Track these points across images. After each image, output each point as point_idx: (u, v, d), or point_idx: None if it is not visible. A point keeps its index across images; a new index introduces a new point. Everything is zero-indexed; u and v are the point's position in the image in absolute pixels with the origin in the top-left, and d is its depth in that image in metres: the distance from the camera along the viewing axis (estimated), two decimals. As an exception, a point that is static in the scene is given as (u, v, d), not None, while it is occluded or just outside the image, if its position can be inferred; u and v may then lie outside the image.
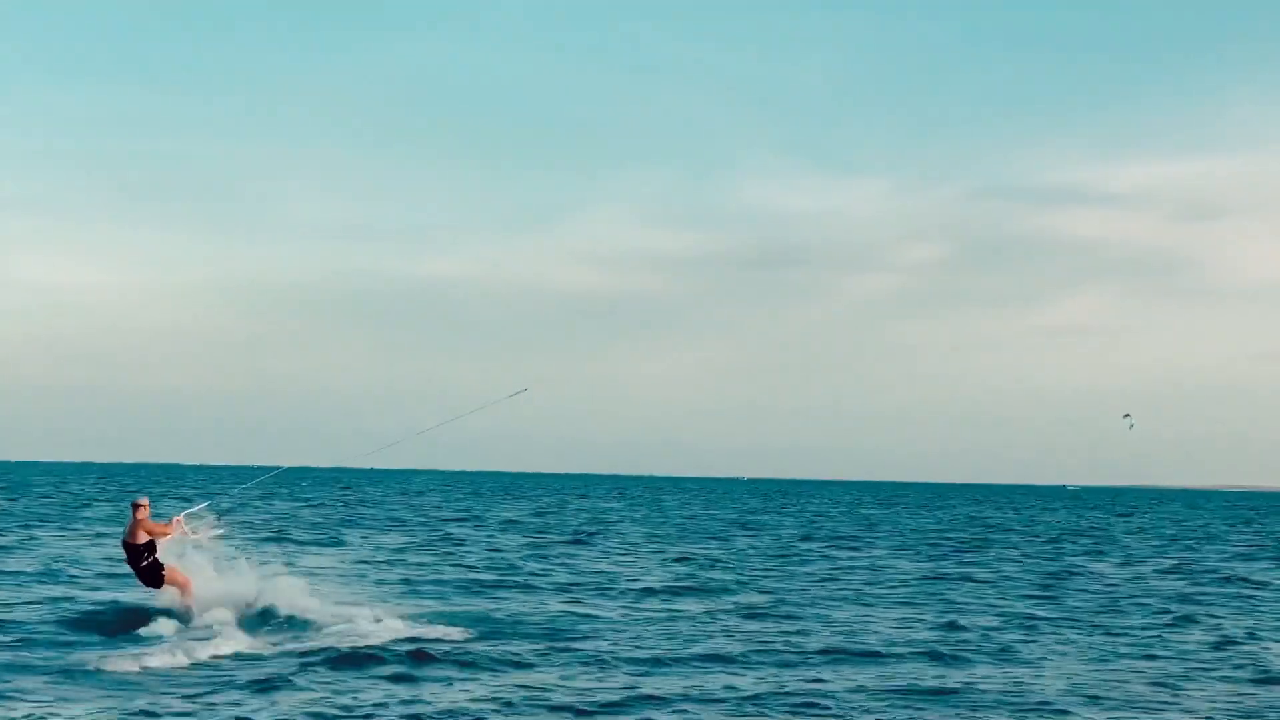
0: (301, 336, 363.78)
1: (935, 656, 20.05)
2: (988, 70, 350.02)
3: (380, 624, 20.43)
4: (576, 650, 19.62)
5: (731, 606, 25.96)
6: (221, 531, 21.32)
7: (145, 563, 20.13)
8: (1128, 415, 74.24)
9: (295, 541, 41.24)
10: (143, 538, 19.98)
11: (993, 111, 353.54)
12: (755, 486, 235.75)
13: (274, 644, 19.10)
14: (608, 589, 28.78)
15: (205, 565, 21.48)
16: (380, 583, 28.50)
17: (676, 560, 38.17)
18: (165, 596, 20.73)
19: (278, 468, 30.29)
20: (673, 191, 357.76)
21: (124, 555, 20.70)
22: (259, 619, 20.68)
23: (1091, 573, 37.80)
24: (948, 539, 55.85)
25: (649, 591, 28.42)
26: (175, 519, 20.46)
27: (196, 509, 20.99)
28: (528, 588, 28.76)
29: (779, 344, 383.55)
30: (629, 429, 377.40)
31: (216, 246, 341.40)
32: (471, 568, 33.47)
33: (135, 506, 20.28)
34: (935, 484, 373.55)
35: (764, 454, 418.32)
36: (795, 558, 40.88)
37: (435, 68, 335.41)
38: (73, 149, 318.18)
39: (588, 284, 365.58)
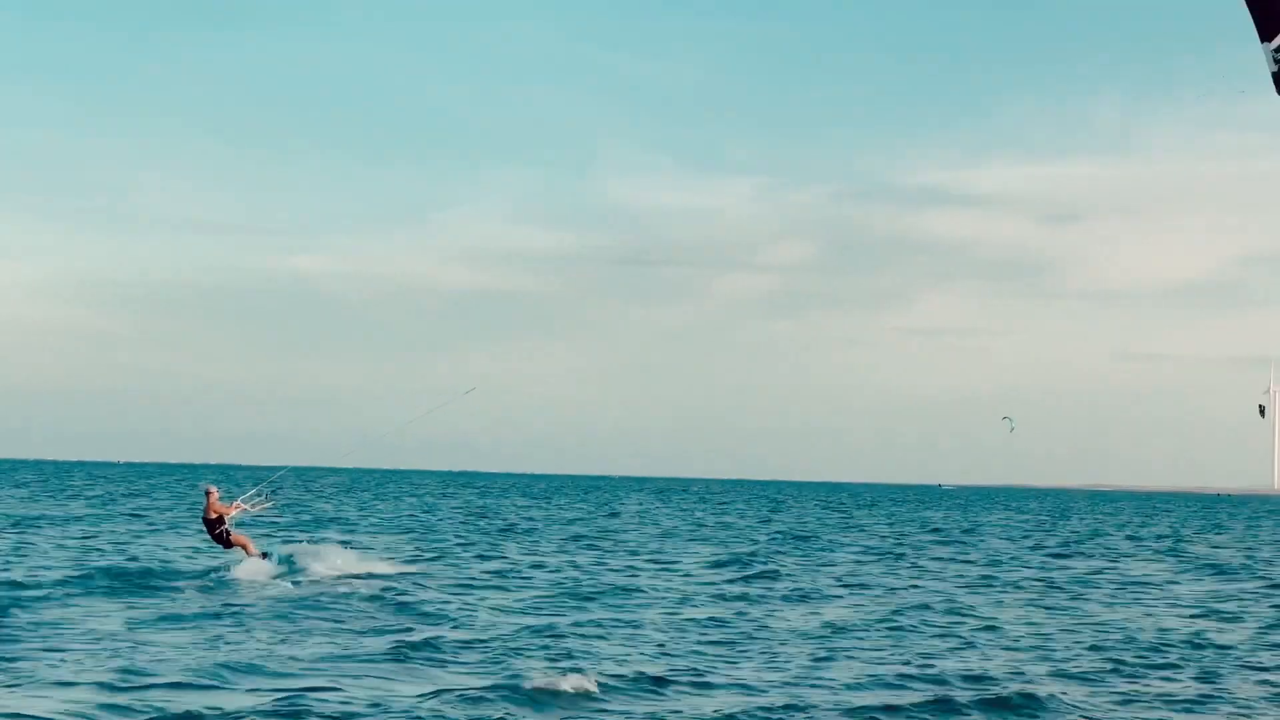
0: (162, 333, 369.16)
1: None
2: (855, 72, 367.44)
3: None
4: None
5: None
6: (270, 504, 33.07)
7: (217, 532, 31.96)
8: (1008, 418, 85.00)
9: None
10: (215, 514, 31.68)
11: (860, 113, 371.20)
12: (630, 482, 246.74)
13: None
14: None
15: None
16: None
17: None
18: (235, 554, 32.54)
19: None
20: (544, 189, 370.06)
21: (205, 529, 32.59)
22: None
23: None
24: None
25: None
26: (236, 502, 32.20)
27: (251, 493, 32.74)
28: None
29: (650, 343, 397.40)
30: (501, 427, 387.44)
31: (69, 240, 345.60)
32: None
33: (206, 493, 32.02)
34: (808, 483, 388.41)
35: (637, 452, 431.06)
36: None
37: (303, 62, 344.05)
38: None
39: (459, 281, 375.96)
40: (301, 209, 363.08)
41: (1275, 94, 11.81)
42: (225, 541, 32.24)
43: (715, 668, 20.43)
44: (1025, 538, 64.96)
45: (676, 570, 38.75)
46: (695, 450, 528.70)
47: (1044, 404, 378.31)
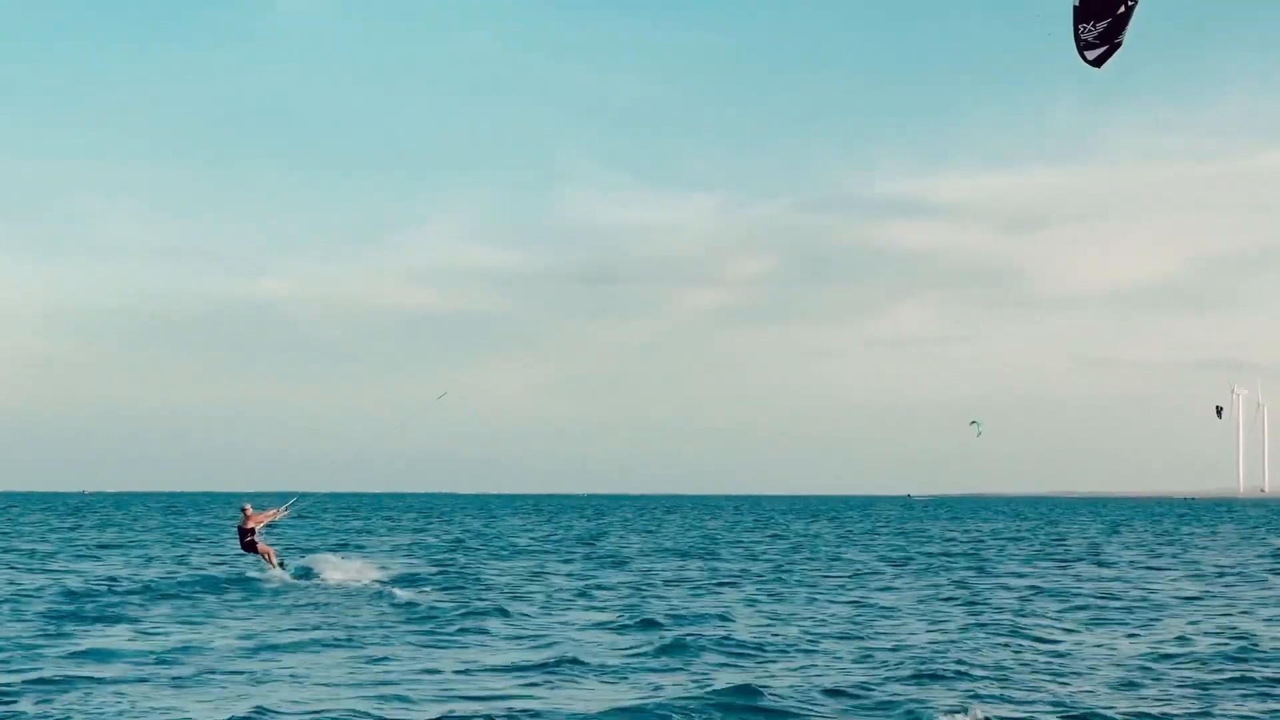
0: (119, 360, 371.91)
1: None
2: (814, 84, 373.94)
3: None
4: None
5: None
6: (285, 513, 38.32)
7: (248, 540, 37.14)
8: (975, 422, 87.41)
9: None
10: (252, 524, 36.88)
11: (819, 125, 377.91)
12: (591, 502, 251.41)
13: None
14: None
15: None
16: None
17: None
18: (254, 560, 37.89)
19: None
20: (504, 207, 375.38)
21: (239, 535, 37.71)
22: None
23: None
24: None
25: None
26: (271, 511, 37.48)
27: (285, 506, 38.14)
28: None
29: (613, 358, 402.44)
30: (464, 445, 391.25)
31: (31, 267, 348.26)
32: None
33: (243, 510, 37.32)
34: (778, 496, 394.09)
35: (601, 469, 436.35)
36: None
37: (260, 83, 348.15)
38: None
39: (420, 301, 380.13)
40: (260, 232, 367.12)
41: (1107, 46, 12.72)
42: (253, 548, 37.43)
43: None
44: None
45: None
46: (663, 467, 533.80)
47: (1011, 411, 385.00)
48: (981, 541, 70.93)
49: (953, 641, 25.17)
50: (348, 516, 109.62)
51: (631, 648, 23.92)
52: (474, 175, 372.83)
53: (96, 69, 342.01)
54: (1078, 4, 13.27)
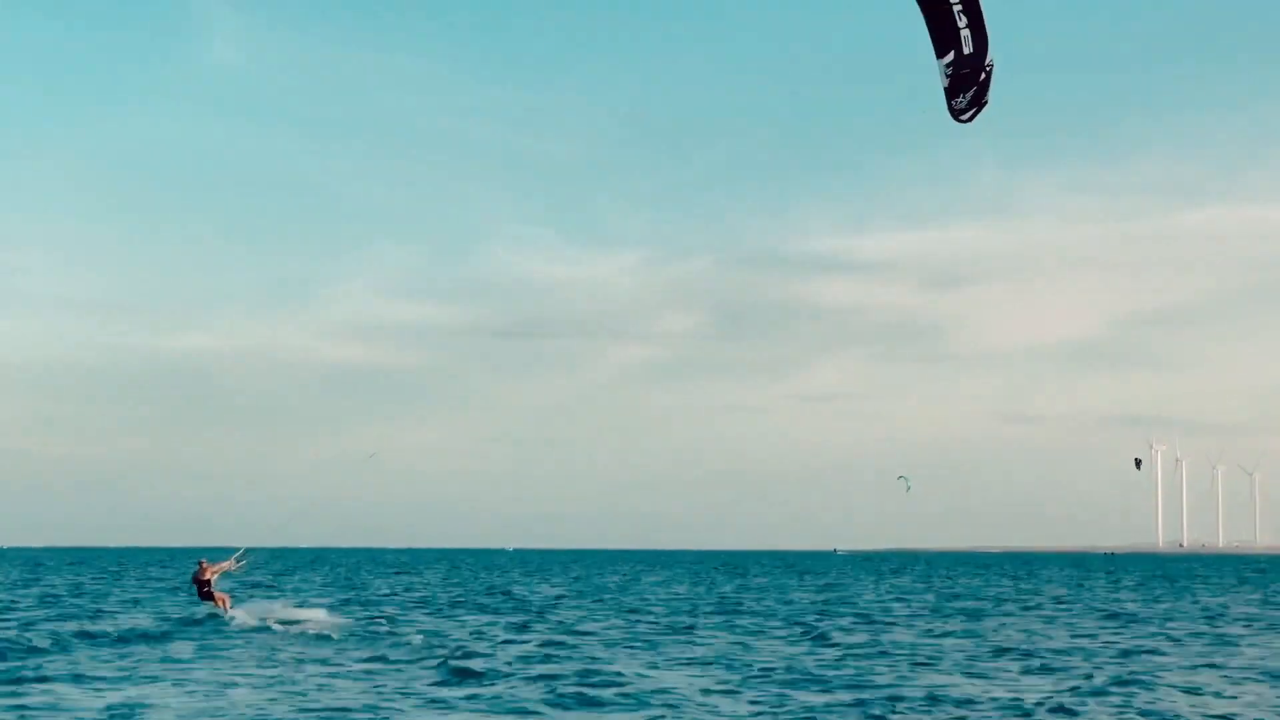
0: (46, 415, 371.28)
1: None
2: (738, 141, 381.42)
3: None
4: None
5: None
6: (242, 565, 42.31)
7: (205, 590, 41.12)
8: (903, 477, 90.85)
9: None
10: (208, 575, 40.89)
11: (742, 182, 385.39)
12: (519, 556, 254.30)
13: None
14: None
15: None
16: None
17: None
18: (210, 607, 41.90)
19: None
20: (427, 263, 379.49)
21: (194, 586, 41.59)
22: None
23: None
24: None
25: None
26: (226, 562, 41.47)
27: (233, 557, 42.04)
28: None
29: (539, 414, 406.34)
30: (392, 500, 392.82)
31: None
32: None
33: (199, 563, 41.34)
34: (703, 551, 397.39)
35: (528, 523, 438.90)
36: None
37: (185, 138, 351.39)
38: None
39: (345, 357, 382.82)
40: (184, 286, 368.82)
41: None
42: (209, 597, 41.46)
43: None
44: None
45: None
46: (588, 521, 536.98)
47: (933, 467, 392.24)
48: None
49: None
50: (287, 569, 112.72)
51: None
52: (399, 231, 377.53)
53: (17, 119, 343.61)
54: (946, 86, 15.00)
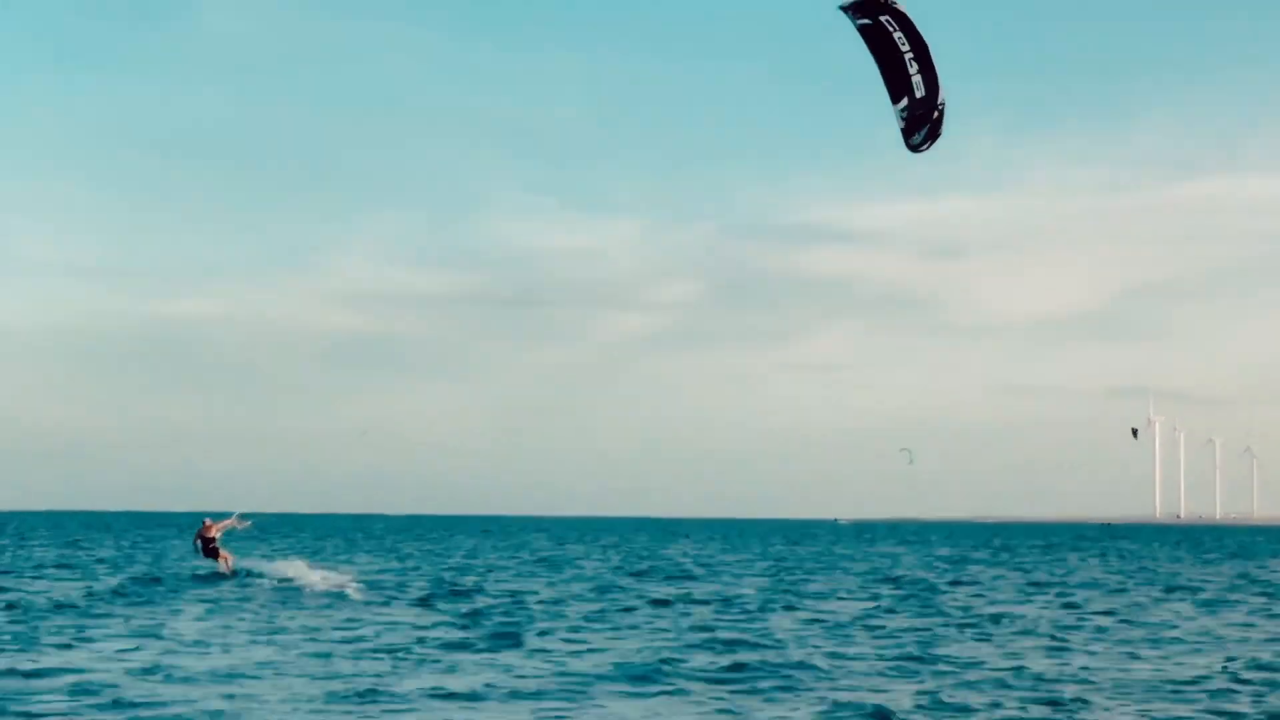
0: (39, 382, 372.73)
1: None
2: (737, 111, 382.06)
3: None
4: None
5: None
6: (246, 525, 44.26)
7: (210, 546, 43.07)
8: (906, 449, 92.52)
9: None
10: (213, 533, 42.82)
11: (740, 151, 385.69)
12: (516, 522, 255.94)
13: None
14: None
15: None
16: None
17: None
18: (216, 563, 43.78)
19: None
20: (426, 231, 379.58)
21: (199, 543, 43.52)
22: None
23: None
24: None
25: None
26: (229, 520, 43.35)
27: (235, 516, 43.95)
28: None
29: (537, 383, 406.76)
30: (388, 468, 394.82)
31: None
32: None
33: (204, 522, 43.23)
34: (703, 519, 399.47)
35: (525, 492, 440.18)
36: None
37: (183, 106, 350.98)
38: None
39: (343, 325, 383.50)
40: (181, 253, 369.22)
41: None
42: (214, 554, 43.44)
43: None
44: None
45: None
46: (587, 490, 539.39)
47: (931, 437, 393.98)
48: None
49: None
50: (288, 535, 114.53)
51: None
52: (397, 199, 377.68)
53: (15, 88, 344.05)
54: (903, 127, 16.08)
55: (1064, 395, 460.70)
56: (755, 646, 27.27)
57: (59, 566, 53.47)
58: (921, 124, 16.08)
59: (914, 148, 16.23)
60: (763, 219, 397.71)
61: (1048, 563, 72.18)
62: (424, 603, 36.76)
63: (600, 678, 22.79)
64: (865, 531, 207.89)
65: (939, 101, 15.96)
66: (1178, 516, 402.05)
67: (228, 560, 43.61)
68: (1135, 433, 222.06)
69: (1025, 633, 30.92)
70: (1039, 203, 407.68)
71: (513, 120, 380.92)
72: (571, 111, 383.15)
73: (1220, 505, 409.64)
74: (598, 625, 31.21)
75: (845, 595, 42.73)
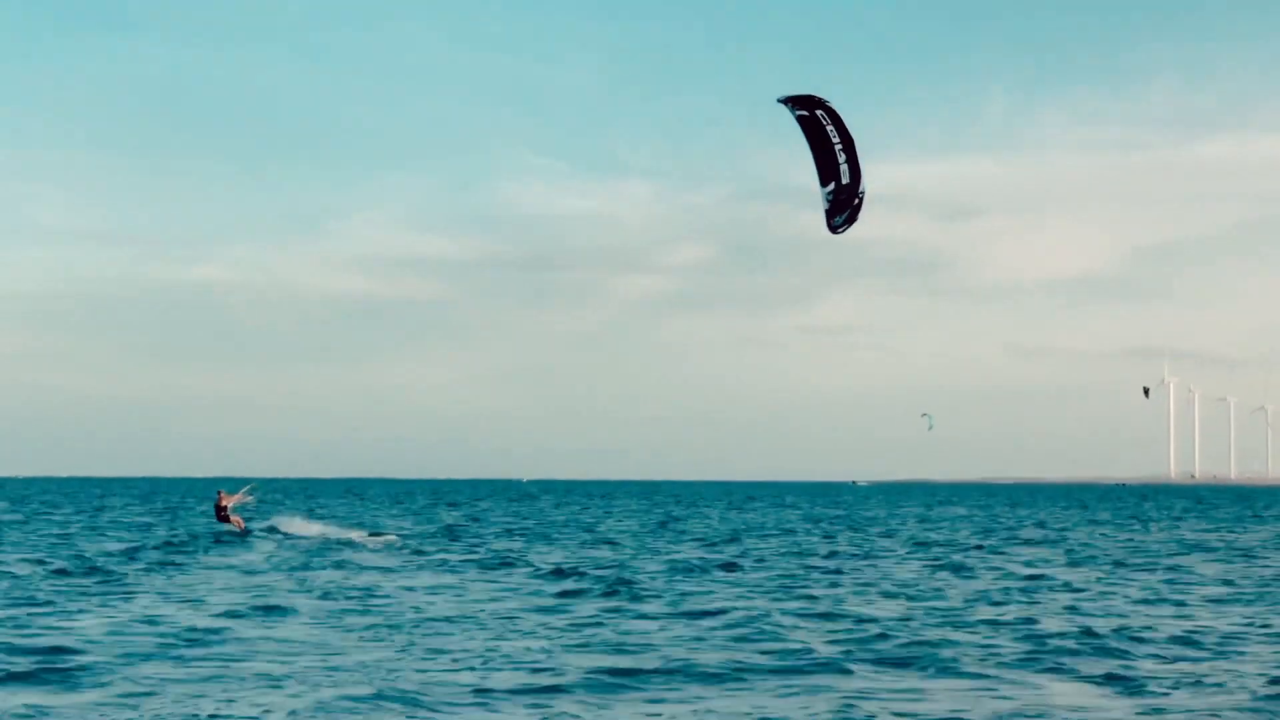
0: (55, 345, 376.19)
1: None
2: (749, 72, 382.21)
3: None
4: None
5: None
6: (252, 499, 47.17)
7: (223, 514, 45.76)
8: (926, 414, 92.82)
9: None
10: (225, 503, 45.56)
11: (753, 113, 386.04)
12: (536, 487, 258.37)
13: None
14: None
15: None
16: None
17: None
18: (228, 526, 46.62)
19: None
20: (438, 195, 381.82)
21: (215, 510, 46.26)
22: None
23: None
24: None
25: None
26: (239, 494, 46.04)
27: (244, 490, 46.72)
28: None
29: (551, 346, 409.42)
30: (404, 432, 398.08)
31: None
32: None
33: (218, 493, 46.15)
34: (718, 482, 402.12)
35: (543, 455, 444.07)
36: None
37: (195, 70, 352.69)
38: None
39: (356, 289, 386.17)
40: (195, 218, 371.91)
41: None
42: (226, 519, 46.31)
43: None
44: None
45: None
46: (602, 453, 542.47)
47: (947, 399, 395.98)
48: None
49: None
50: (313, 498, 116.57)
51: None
52: (410, 163, 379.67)
53: (26, 54, 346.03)
54: (827, 208, 18.49)
55: (1078, 356, 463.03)
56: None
57: (126, 529, 55.11)
58: (844, 208, 18.27)
59: (834, 229, 18.41)
60: (776, 181, 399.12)
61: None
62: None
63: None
64: (895, 493, 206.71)
65: (860, 190, 18.19)
66: (1192, 476, 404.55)
67: (240, 524, 46.57)
68: (1147, 391, 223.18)
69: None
70: (1053, 163, 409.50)
71: (524, 83, 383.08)
72: (583, 74, 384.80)
73: (1235, 465, 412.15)
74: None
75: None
